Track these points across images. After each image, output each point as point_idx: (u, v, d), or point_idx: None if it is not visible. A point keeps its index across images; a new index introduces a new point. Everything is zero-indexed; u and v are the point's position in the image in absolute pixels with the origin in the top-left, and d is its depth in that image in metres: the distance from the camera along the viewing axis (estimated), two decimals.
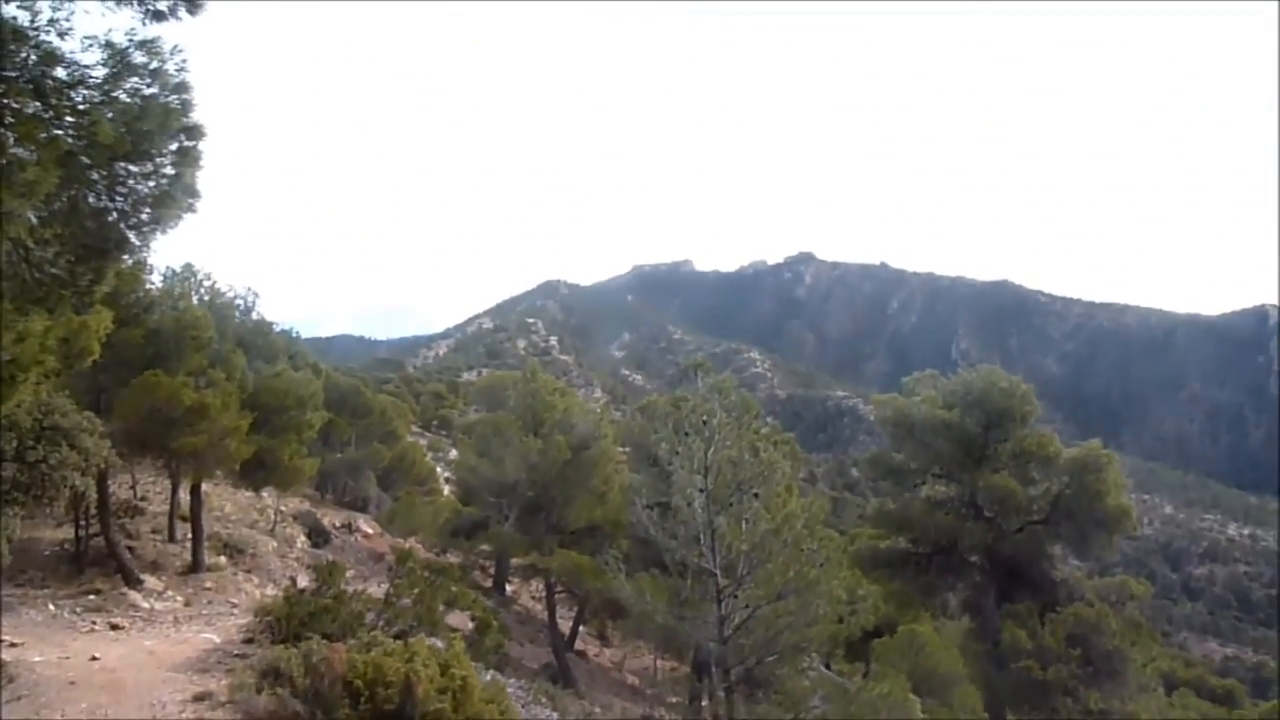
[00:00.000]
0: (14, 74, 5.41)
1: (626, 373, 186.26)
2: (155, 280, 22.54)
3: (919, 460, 30.20)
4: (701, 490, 13.50)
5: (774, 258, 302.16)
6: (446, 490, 45.44)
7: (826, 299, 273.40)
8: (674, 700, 28.56)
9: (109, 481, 21.79)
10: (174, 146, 6.09)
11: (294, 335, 34.64)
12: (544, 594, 32.70)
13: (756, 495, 13.57)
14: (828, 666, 17.88)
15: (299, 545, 30.36)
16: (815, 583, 13.02)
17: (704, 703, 25.84)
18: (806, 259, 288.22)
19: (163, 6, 6.08)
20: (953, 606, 34.52)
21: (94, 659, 15.46)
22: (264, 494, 31.86)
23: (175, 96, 5.93)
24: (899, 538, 30.42)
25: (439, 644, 9.28)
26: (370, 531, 37.44)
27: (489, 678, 11.16)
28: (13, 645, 15.51)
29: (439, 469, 51.78)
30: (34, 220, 6.34)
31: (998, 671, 26.37)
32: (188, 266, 24.13)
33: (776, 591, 13.23)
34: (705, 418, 13.68)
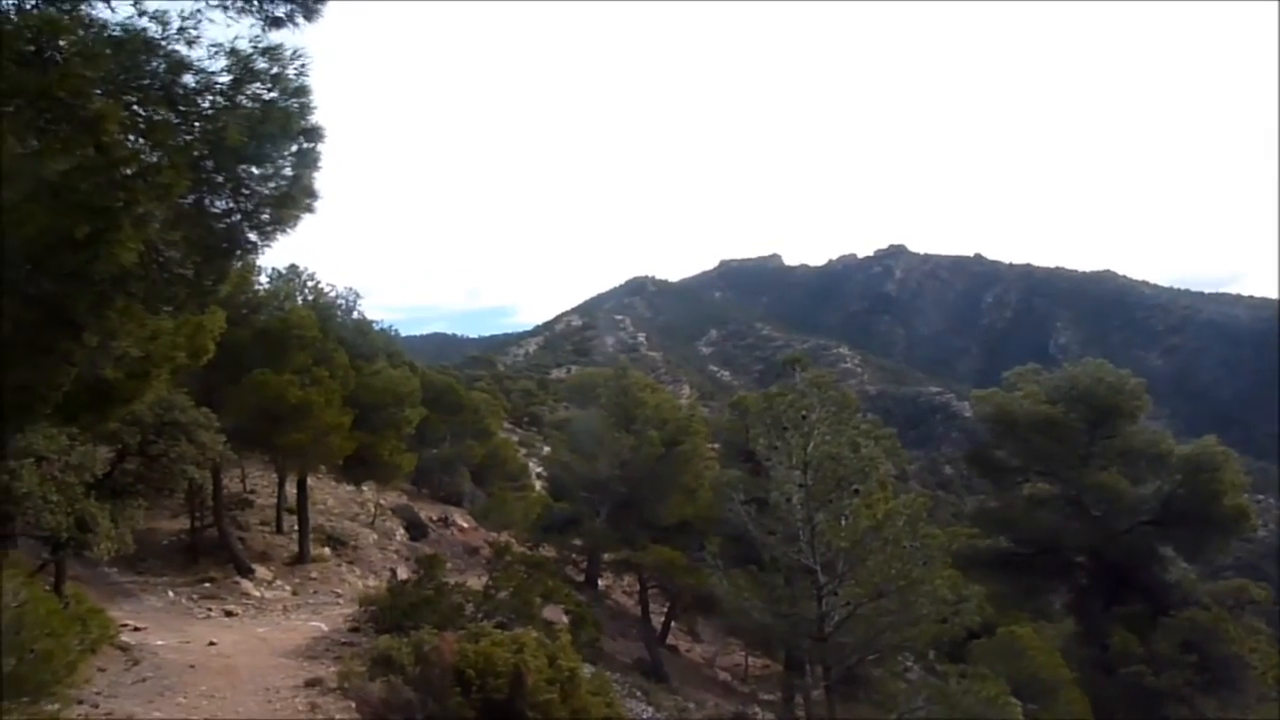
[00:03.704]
0: (147, 83, 5.66)
1: (714, 369, 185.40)
2: (263, 281, 23.50)
3: (1021, 457, 29.34)
4: (800, 486, 13.32)
5: (864, 251, 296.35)
6: (538, 486, 45.97)
7: (918, 293, 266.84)
8: (767, 698, 28.35)
9: (222, 475, 22.75)
10: (293, 149, 6.30)
11: (392, 334, 35.46)
12: (635, 589, 32.83)
13: (857, 491, 13.33)
14: (933, 669, 17.46)
15: (398, 538, 31.16)
16: (918, 581, 12.72)
17: (799, 701, 25.62)
18: (897, 252, 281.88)
19: (280, 13, 6.27)
20: (1055, 609, 33.45)
21: (211, 644, 16.18)
22: (364, 488, 32.82)
23: (295, 100, 6.12)
24: (999, 537, 29.60)
25: (544, 637, 9.40)
26: (465, 525, 38.17)
27: (590, 671, 11.27)
28: (136, 630, 16.34)
29: (530, 465, 52.43)
30: (164, 223, 6.62)
31: (1105, 677, 25.41)
32: (292, 268, 25.07)
33: (877, 589, 12.97)
34: (804, 413, 13.50)
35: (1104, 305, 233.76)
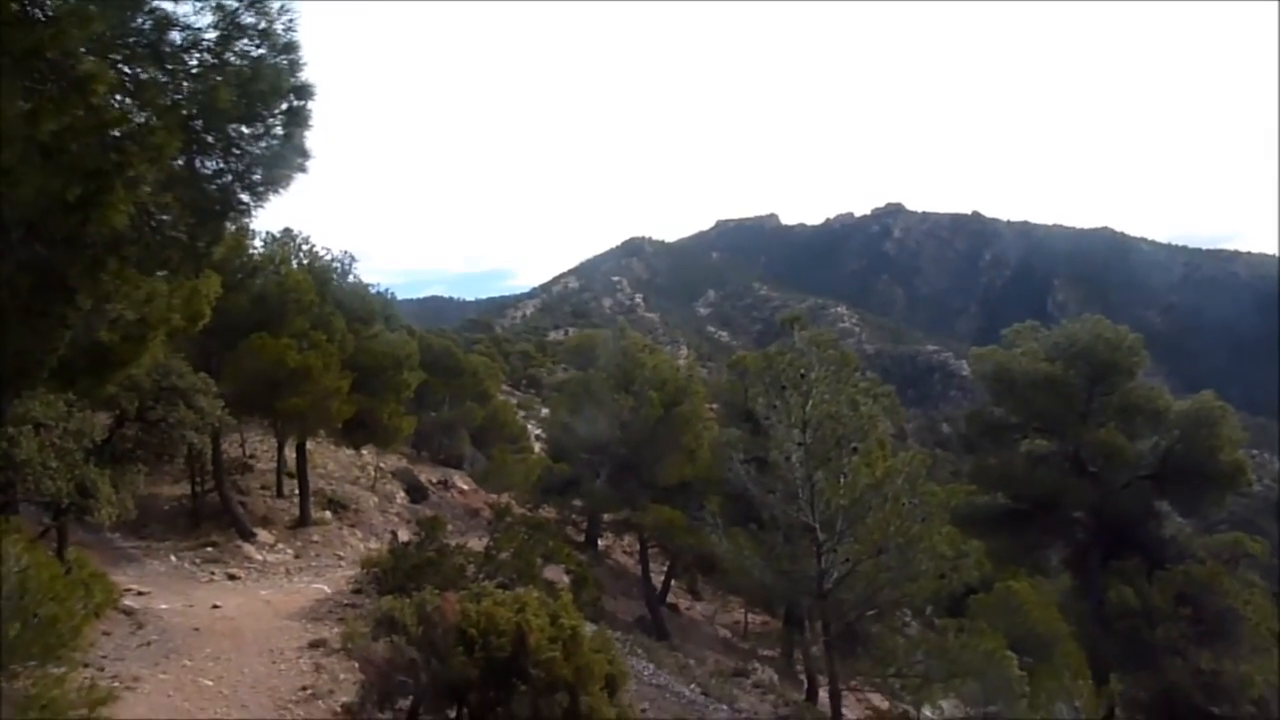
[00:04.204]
0: (133, 40, 5.54)
1: (712, 330, 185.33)
2: (258, 245, 23.30)
3: (1020, 415, 29.34)
4: (800, 445, 13.34)
5: (861, 210, 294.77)
6: (538, 448, 46.15)
7: (916, 252, 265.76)
8: (768, 654, 28.67)
9: (221, 440, 22.76)
10: (284, 107, 6.18)
11: (390, 298, 35.30)
12: (635, 549, 33.09)
13: (856, 450, 13.36)
14: (932, 625, 17.64)
15: (398, 501, 31.30)
16: (917, 538, 12.78)
17: (798, 656, 25.92)
18: (895, 211, 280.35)
19: None
20: (1052, 565, 33.71)
21: (215, 607, 16.28)
22: (364, 452, 32.90)
23: (284, 57, 5.99)
24: (997, 494, 29.71)
25: (546, 597, 9.46)
26: (465, 488, 38.35)
27: (592, 629, 11.35)
28: (140, 594, 16.44)
29: (530, 427, 52.57)
30: (156, 186, 6.53)
31: (1102, 631, 25.66)
32: (287, 231, 24.82)
33: (877, 546, 13.04)
34: (803, 371, 13.48)
35: (1102, 262, 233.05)
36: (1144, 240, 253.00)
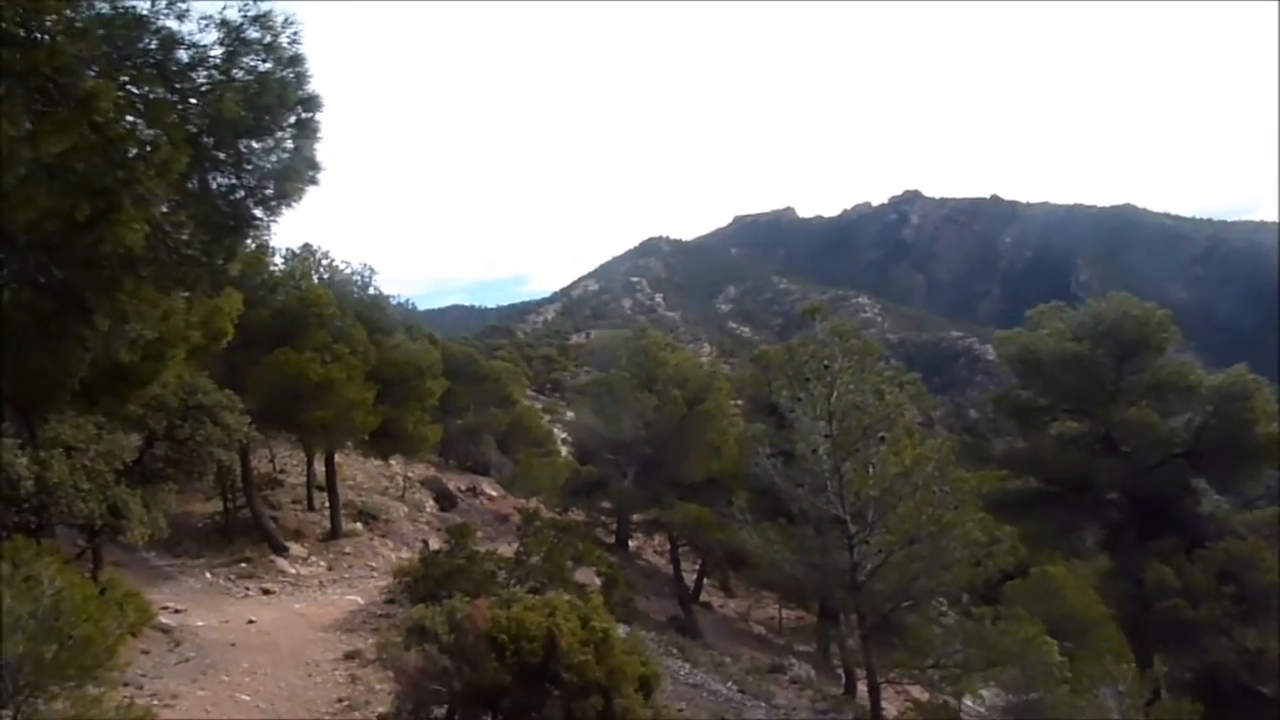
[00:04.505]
0: (140, 60, 5.55)
1: (733, 326, 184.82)
2: (278, 262, 23.46)
3: (1048, 396, 29.03)
4: (826, 436, 13.22)
5: (878, 199, 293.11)
6: (564, 451, 46.20)
7: (935, 238, 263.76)
8: (803, 649, 28.53)
9: (250, 456, 22.93)
10: (292, 120, 6.17)
11: (410, 307, 35.46)
12: (666, 548, 33.03)
13: (883, 439, 13.22)
14: (968, 613, 17.44)
15: (428, 509, 31.42)
16: (949, 526, 12.62)
17: (834, 650, 25.74)
18: (912, 198, 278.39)
19: None
20: (1087, 547, 33.32)
21: (250, 622, 16.40)
22: (392, 462, 33.05)
23: (290, 70, 5.98)
24: (1029, 478, 29.39)
25: (577, 600, 9.42)
26: (494, 494, 38.46)
27: (625, 631, 11.32)
28: (177, 611, 16.57)
29: (555, 430, 52.64)
30: (170, 204, 6.55)
31: (1142, 612, 25.30)
32: (306, 246, 24.99)
33: (909, 536, 12.90)
34: (826, 362, 13.36)
35: (1125, 239, 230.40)
36: (1166, 215, 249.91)
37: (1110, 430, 27.64)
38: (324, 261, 25.32)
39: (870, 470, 13.32)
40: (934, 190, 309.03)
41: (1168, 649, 24.95)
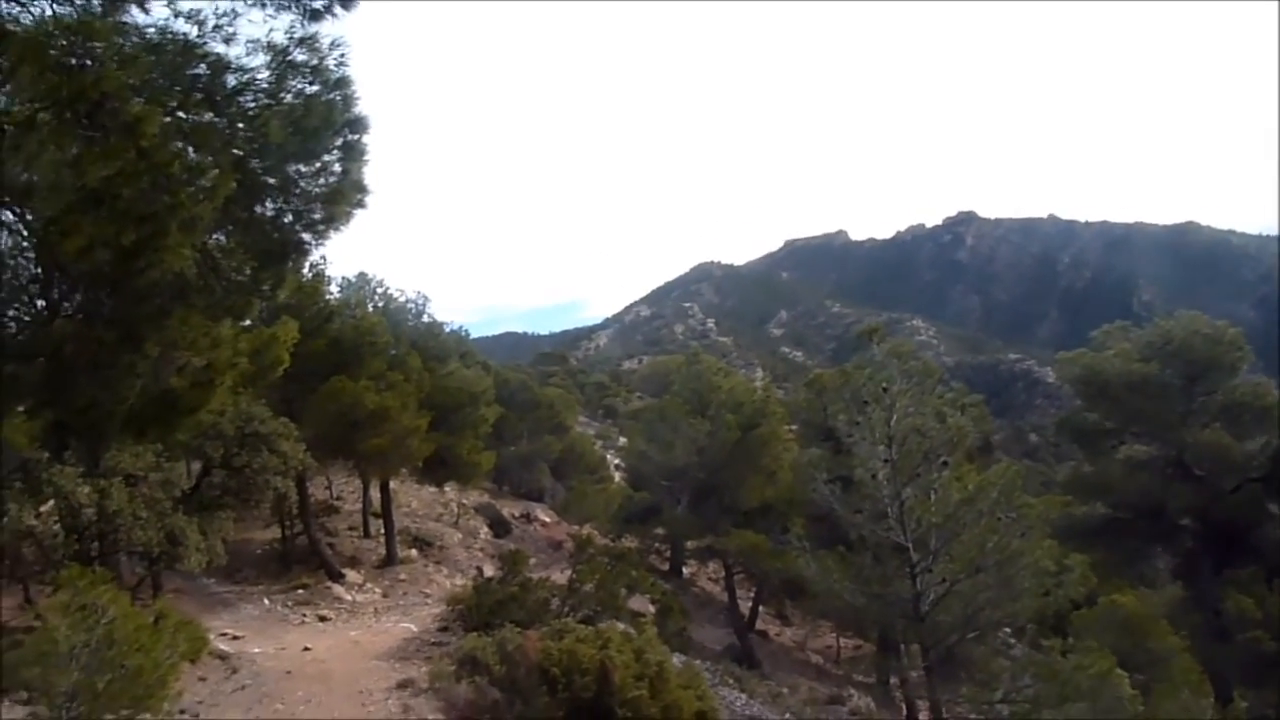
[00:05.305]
0: (188, 86, 5.54)
1: (786, 350, 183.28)
2: (333, 291, 23.77)
3: (1115, 419, 28.07)
4: (885, 461, 12.83)
5: (932, 220, 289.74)
6: (617, 477, 45.99)
7: (990, 259, 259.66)
8: (862, 680, 27.78)
9: (307, 484, 23.14)
10: (339, 142, 6.13)
11: (463, 335, 35.68)
12: (720, 576, 32.53)
13: (945, 464, 12.79)
14: (1037, 645, 16.76)
15: (482, 536, 31.40)
16: (1017, 554, 12.13)
17: (895, 682, 25.01)
18: (967, 218, 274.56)
19: (319, 5, 6.08)
20: (1156, 575, 32.11)
21: (306, 650, 16.40)
22: (446, 489, 33.14)
23: (337, 92, 5.94)
24: (1096, 504, 28.42)
25: (630, 630, 9.16)
26: (547, 520, 38.33)
27: (680, 662, 11.01)
28: (235, 638, 16.67)
29: (608, 457, 52.49)
30: (218, 232, 6.53)
31: (1220, 644, 24.17)
32: (361, 275, 25.32)
33: (974, 565, 12.42)
34: (884, 385, 12.99)
35: (1188, 258, 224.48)
36: (1230, 232, 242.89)
37: (1183, 454, 26.61)
38: (379, 290, 25.63)
39: (932, 496, 12.88)
40: (989, 210, 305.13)
41: (1248, 683, 23.74)
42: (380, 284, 25.75)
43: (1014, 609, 13.16)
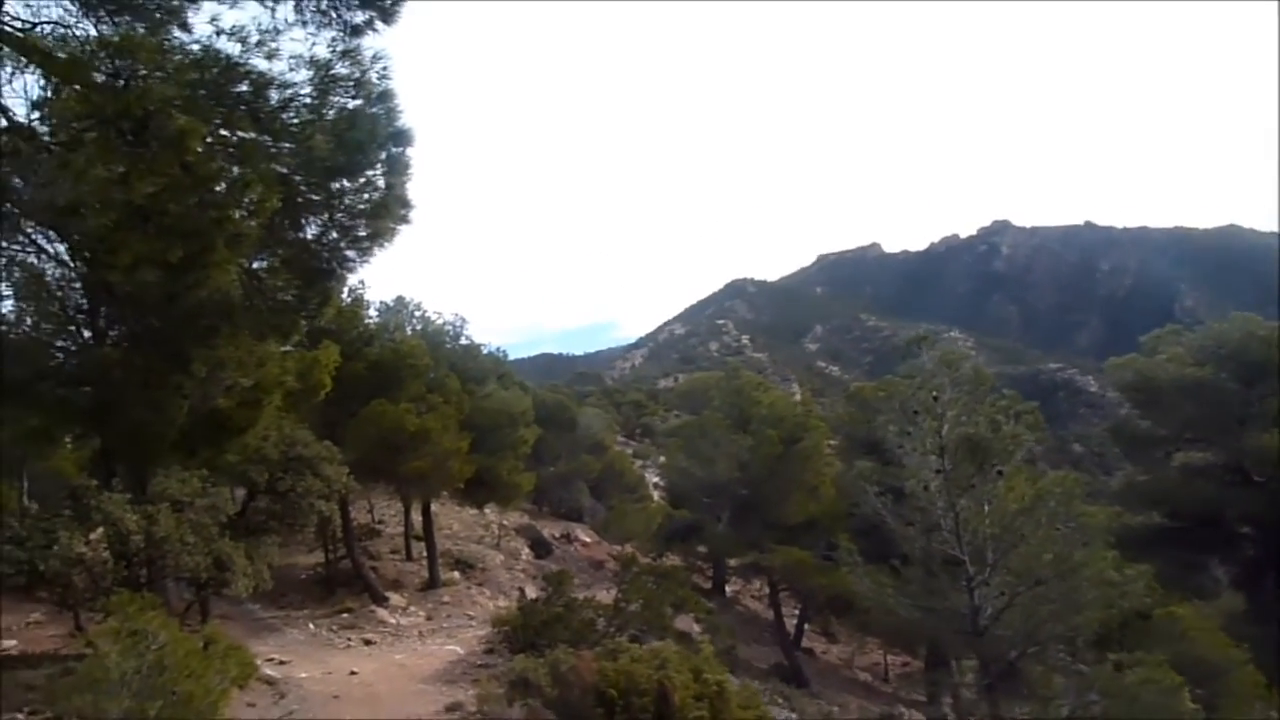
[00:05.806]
0: (232, 103, 5.50)
1: (822, 365, 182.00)
2: (372, 315, 23.89)
3: (1168, 425, 27.39)
4: (938, 472, 12.51)
5: (966, 230, 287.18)
6: (656, 496, 45.72)
7: (1027, 268, 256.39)
8: (913, 697, 27.20)
9: (350, 507, 23.17)
10: (383, 156, 6.05)
11: (501, 356, 35.72)
12: (764, 593, 32.12)
13: (1000, 473, 12.44)
14: (1095, 659, 16.22)
15: (523, 557, 31.26)
16: (1080, 565, 11.73)
17: (947, 699, 24.41)
18: (1002, 228, 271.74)
19: (359, 20, 6.03)
20: (1215, 585, 31.16)
21: (352, 674, 16.30)
22: (487, 510, 33.09)
23: (380, 106, 5.87)
24: (1151, 512, 27.69)
25: (686, 650, 8.93)
26: (588, 540, 38.15)
27: (737, 683, 10.73)
28: (281, 663, 16.62)
29: (647, 476, 52.24)
30: (264, 251, 6.47)
31: None
32: (400, 299, 25.44)
33: (1035, 577, 12.03)
34: (935, 394, 12.69)
35: (1230, 262, 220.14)
36: (1273, 234, 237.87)
37: (1242, 459, 25.85)
38: (417, 313, 25.75)
39: (987, 507, 12.52)
40: (1024, 219, 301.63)
41: None
42: (418, 307, 25.88)
43: (1077, 621, 12.72)
